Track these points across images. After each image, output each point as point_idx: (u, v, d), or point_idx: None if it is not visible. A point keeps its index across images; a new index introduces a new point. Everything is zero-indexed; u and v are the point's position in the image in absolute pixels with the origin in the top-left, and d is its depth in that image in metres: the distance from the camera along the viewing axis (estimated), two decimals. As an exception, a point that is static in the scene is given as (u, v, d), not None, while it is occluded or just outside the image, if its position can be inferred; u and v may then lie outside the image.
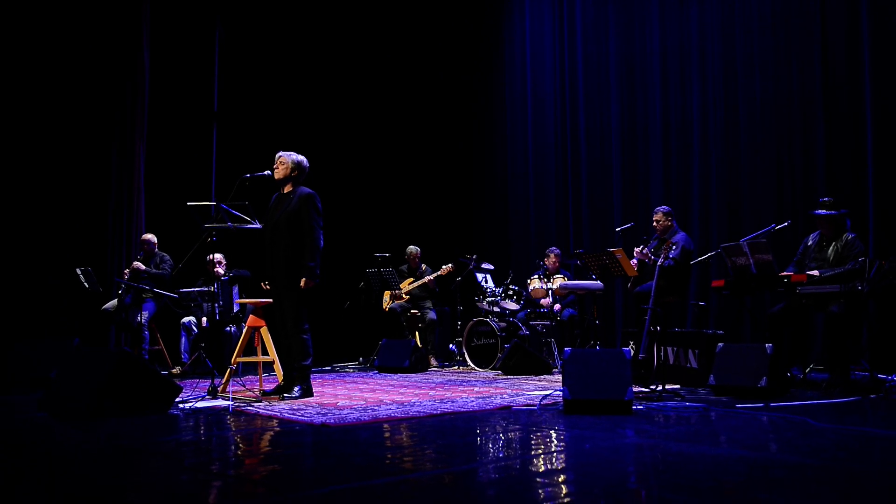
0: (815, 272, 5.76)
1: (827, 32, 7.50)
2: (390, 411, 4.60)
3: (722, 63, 8.42)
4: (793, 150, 7.75)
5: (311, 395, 5.41)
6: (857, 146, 7.23)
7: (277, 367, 5.76)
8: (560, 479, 2.81)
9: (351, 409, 4.73)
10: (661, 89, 9.03)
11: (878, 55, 7.08)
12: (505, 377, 7.11)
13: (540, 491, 2.63)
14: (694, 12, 8.71)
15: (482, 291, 8.60)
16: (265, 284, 5.53)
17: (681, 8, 8.85)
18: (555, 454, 3.32)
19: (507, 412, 4.62)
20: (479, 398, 5.28)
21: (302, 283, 5.24)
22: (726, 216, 8.26)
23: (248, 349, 5.97)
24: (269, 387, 5.76)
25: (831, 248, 5.90)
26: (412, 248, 9.25)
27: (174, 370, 7.76)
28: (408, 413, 4.52)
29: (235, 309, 7.99)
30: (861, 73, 7.20)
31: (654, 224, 6.95)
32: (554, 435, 3.78)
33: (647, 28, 9.21)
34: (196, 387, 6.00)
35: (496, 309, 8.40)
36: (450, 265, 8.76)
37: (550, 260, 8.40)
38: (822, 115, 7.50)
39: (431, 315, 8.82)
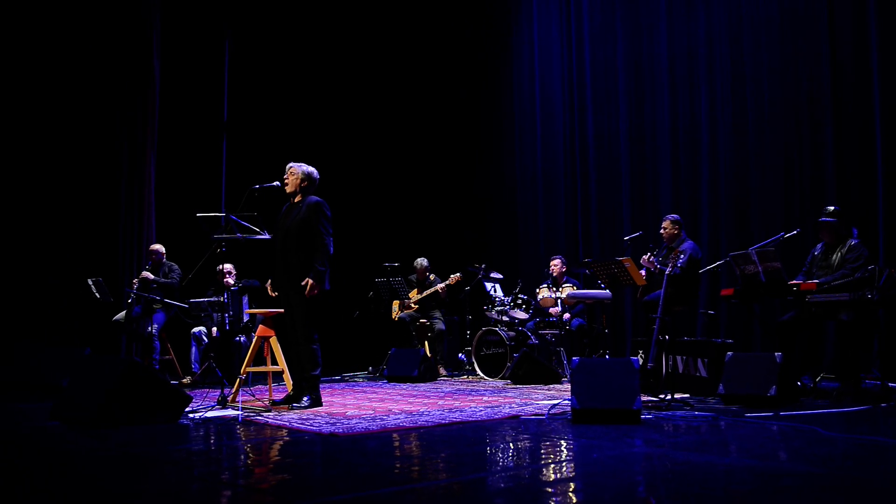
0: (818, 280, 5.76)
1: (835, 36, 7.49)
2: (399, 421, 4.61)
3: (730, 67, 8.41)
4: (802, 155, 7.74)
5: (320, 404, 5.42)
6: (867, 152, 7.20)
7: (287, 376, 5.78)
8: (568, 489, 2.81)
9: (359, 418, 4.74)
10: (670, 94, 9.03)
11: (886, 59, 7.06)
12: (514, 386, 7.11)
13: (549, 500, 2.63)
14: (701, 16, 8.71)
15: (491, 301, 8.60)
16: (270, 289, 5.56)
17: (688, 12, 8.86)
18: (563, 463, 3.32)
19: (515, 421, 4.62)
20: (487, 408, 5.28)
21: (307, 283, 5.18)
22: (735, 224, 8.23)
23: (258, 359, 5.99)
24: (278, 396, 5.78)
25: (835, 254, 5.90)
26: (420, 261, 9.23)
27: (184, 380, 7.80)
28: (416, 422, 4.52)
29: (245, 319, 8.02)
30: (869, 77, 7.19)
31: (662, 232, 6.95)
32: (562, 444, 3.77)
33: (655, 33, 9.21)
34: (206, 396, 6.02)
35: (505, 318, 8.40)
36: (458, 274, 8.77)
37: (555, 267, 8.38)
38: (830, 120, 7.49)
39: (440, 325, 8.83)
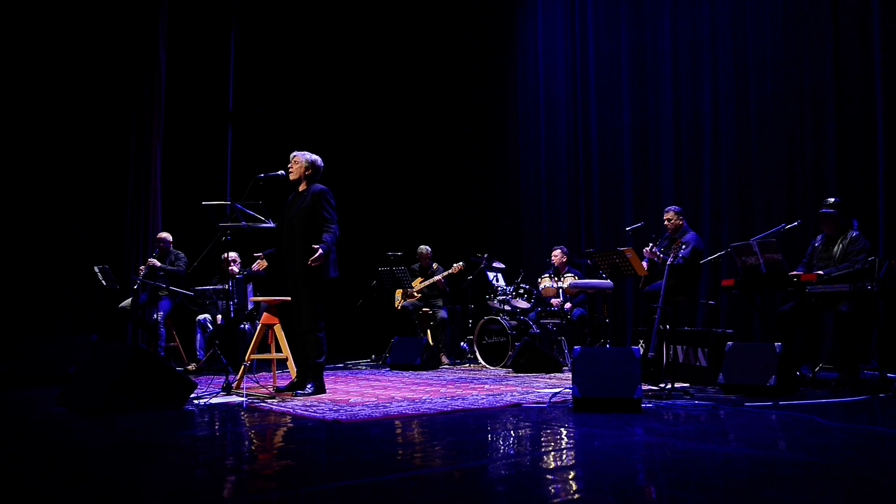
0: (820, 272, 5.78)
1: (839, 30, 7.49)
2: (401, 408, 4.65)
3: (733, 61, 8.41)
4: (804, 148, 7.75)
5: (324, 391, 5.46)
6: (868, 145, 7.22)
7: (291, 363, 5.82)
8: (569, 476, 2.85)
9: (362, 405, 4.78)
10: (673, 87, 9.03)
11: (889, 53, 7.06)
12: (515, 375, 7.15)
13: (549, 487, 2.67)
14: (706, 10, 8.70)
15: (493, 290, 8.63)
16: (260, 260, 5.61)
17: (692, 5, 8.85)
18: (564, 451, 3.35)
19: (517, 409, 4.65)
20: (489, 396, 5.32)
21: (316, 249, 5.19)
22: (737, 215, 8.26)
23: (262, 346, 6.04)
24: (282, 383, 5.82)
25: (836, 246, 5.92)
26: (423, 248, 9.30)
27: (189, 367, 7.85)
28: (419, 410, 4.56)
29: (250, 306, 8.06)
30: (872, 72, 7.19)
31: (665, 223, 6.96)
32: (563, 432, 3.81)
33: (659, 26, 9.21)
34: (211, 383, 6.06)
35: (507, 307, 8.43)
36: (461, 264, 8.80)
37: (556, 257, 8.42)
38: (832, 114, 7.49)
39: (443, 313, 8.87)
